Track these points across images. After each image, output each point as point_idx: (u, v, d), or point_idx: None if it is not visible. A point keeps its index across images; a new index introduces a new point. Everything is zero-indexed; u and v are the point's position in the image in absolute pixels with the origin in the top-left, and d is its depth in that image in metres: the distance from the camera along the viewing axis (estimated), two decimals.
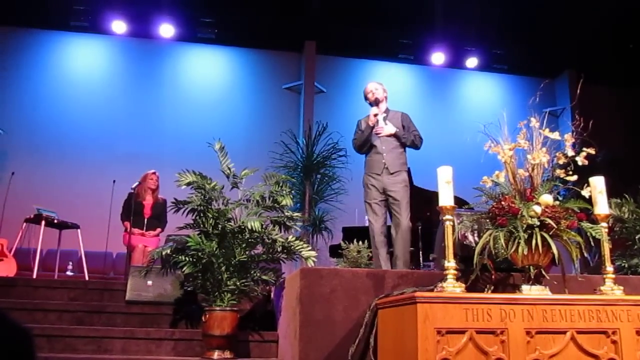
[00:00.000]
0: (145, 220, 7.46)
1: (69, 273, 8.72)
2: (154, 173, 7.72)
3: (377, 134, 5.31)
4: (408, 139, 5.34)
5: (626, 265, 5.30)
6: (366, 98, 5.58)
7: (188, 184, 4.50)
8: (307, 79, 12.40)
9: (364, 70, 13.16)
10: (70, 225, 8.00)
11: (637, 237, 5.39)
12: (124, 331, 4.58)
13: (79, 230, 8.03)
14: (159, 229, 7.49)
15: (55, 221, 7.82)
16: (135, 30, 11.85)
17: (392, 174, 5.20)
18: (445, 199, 3.23)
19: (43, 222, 7.62)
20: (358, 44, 12.50)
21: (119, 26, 11.66)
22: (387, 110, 5.46)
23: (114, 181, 8.59)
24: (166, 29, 11.81)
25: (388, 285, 3.64)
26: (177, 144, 11.36)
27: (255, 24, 12.08)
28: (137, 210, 7.37)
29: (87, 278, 7.87)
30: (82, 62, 11.95)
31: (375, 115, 5.35)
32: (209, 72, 12.57)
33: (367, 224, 8.06)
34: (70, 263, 8.82)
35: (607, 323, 3.02)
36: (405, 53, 12.76)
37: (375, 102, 5.45)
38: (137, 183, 7.56)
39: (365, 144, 5.38)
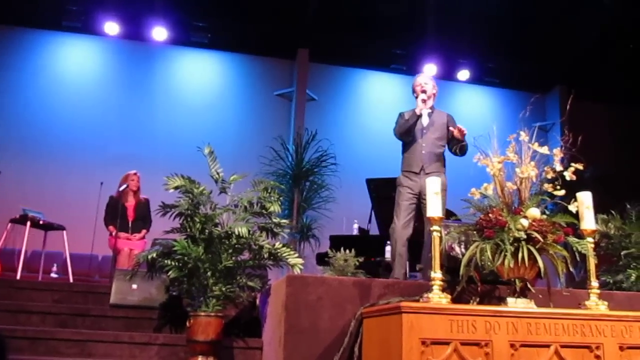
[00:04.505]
0: (130, 223, 7.42)
1: (53, 275, 8.64)
2: (135, 174, 7.66)
3: (463, 134, 4.97)
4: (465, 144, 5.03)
5: (611, 281, 5.33)
6: (414, 91, 5.37)
7: (176, 187, 4.48)
8: (299, 86, 12.43)
9: (355, 79, 13.21)
10: (55, 226, 7.93)
11: (622, 254, 5.43)
12: (108, 335, 4.54)
13: (64, 232, 7.96)
14: (144, 231, 7.46)
15: (41, 222, 7.74)
16: (128, 32, 11.82)
17: (428, 174, 4.83)
18: (434, 210, 3.24)
19: (28, 223, 7.55)
20: (351, 53, 12.55)
21: (111, 28, 11.62)
22: (432, 108, 5.28)
23: (102, 183, 8.56)
24: (159, 32, 11.77)
25: (374, 294, 3.63)
26: (167, 147, 11.33)
27: (249, 30, 12.11)
28: (121, 213, 7.32)
29: (71, 280, 7.80)
30: (74, 62, 11.90)
31: (424, 100, 5.17)
32: (201, 77, 12.56)
33: (354, 233, 8.11)
34: (55, 265, 8.75)
35: (591, 338, 3.03)
36: (398, 63, 12.84)
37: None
38: (125, 186, 7.51)
39: (406, 133, 5.17)
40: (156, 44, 12.06)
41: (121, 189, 7.51)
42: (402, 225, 5.03)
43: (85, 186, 9.92)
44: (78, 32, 11.78)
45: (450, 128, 5.14)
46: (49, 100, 11.40)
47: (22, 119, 11.12)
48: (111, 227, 7.37)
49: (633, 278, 5.20)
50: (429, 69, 12.61)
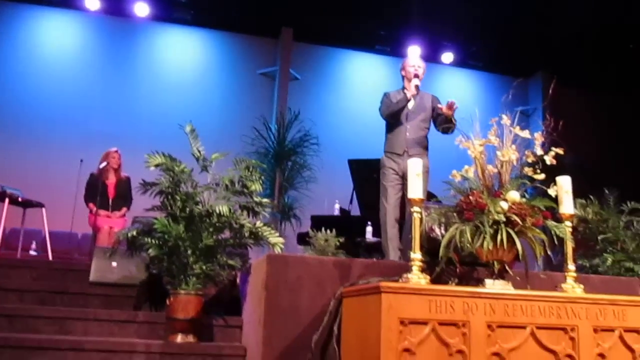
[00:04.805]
0: (110, 200, 7.37)
1: (32, 253, 8.57)
2: (116, 151, 7.61)
3: (454, 108, 4.93)
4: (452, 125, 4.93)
5: (587, 265, 5.42)
6: (403, 69, 5.37)
7: (157, 165, 4.44)
8: (283, 65, 12.36)
9: (339, 59, 13.17)
10: (34, 203, 7.84)
11: (599, 238, 5.51)
12: (87, 312, 4.52)
13: (43, 209, 7.88)
14: (124, 209, 7.42)
15: (20, 199, 7.64)
16: (109, 8, 11.66)
17: (411, 156, 4.57)
18: (415, 191, 3.25)
19: (7, 200, 7.45)
20: (335, 33, 12.48)
21: (92, 2, 11.45)
22: (418, 91, 5.26)
23: (82, 160, 8.48)
24: (141, 8, 11.63)
25: (354, 274, 3.65)
26: (148, 124, 11.23)
27: (233, 8, 11.96)
28: (102, 191, 7.27)
29: (50, 258, 7.74)
30: (54, 37, 11.71)
31: (417, 86, 5.16)
32: (183, 54, 12.44)
33: (335, 213, 8.15)
34: (34, 242, 8.67)
35: (567, 320, 3.07)
36: (382, 44, 12.82)
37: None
38: (105, 163, 7.45)
39: (393, 116, 5.18)
40: (138, 19, 11.91)
41: (101, 166, 7.45)
42: (392, 207, 5.06)
43: (65, 163, 9.80)
44: (58, 6, 11.60)
45: (438, 105, 5.15)
46: (28, 76, 11.22)
47: (0, 95, 10.94)
48: (91, 205, 7.32)
49: (609, 262, 5.29)
50: (413, 51, 12.59)
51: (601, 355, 3.09)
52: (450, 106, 4.95)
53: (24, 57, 11.33)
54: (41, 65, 11.36)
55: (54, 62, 11.45)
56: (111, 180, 7.48)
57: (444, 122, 5.04)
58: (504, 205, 3.24)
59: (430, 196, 4.61)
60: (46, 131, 10.86)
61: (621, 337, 3.16)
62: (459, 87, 13.53)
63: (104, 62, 11.75)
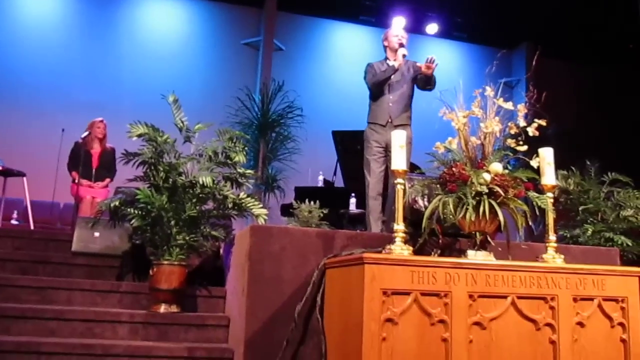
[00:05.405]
0: (94, 170, 7.30)
1: (13, 222, 8.50)
2: (102, 121, 7.51)
3: (432, 66, 4.97)
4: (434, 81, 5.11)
5: (568, 235, 5.50)
6: (386, 39, 5.33)
7: (139, 135, 4.41)
8: (267, 35, 12.25)
9: (324, 30, 13.06)
10: (15, 172, 7.75)
11: (580, 209, 5.58)
12: (69, 282, 4.51)
13: (24, 179, 7.80)
14: (107, 180, 7.35)
15: (0, 168, 7.57)
16: None
17: (396, 127, 4.87)
18: (398, 163, 3.25)
19: None
20: (319, 3, 12.35)
21: None
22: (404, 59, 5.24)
23: (63, 130, 8.39)
24: None
25: (337, 245, 3.66)
26: (131, 94, 11.10)
27: None
28: (85, 161, 7.18)
29: (32, 227, 7.69)
30: (36, 6, 11.46)
31: (404, 55, 5.13)
32: (167, 23, 12.26)
33: (319, 184, 8.15)
34: (16, 212, 8.60)
35: (547, 289, 3.11)
36: (366, 15, 12.72)
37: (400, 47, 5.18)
38: (87, 133, 7.37)
39: (379, 86, 5.14)
40: None
41: (83, 135, 7.36)
42: (375, 181, 5.05)
43: (46, 132, 9.71)
44: None
45: (417, 64, 5.15)
46: (9, 44, 11.00)
47: None
48: (74, 174, 7.25)
49: (589, 233, 5.37)
50: (398, 22, 12.50)
51: (580, 323, 3.15)
52: (429, 65, 4.96)
53: (5, 25, 11.09)
54: (23, 34, 11.14)
55: (36, 30, 11.23)
56: (95, 150, 7.40)
57: (423, 82, 5.10)
58: (487, 176, 3.25)
59: (413, 168, 4.61)
60: (28, 100, 10.70)
61: (600, 306, 3.21)
62: (443, 58, 13.21)
63: (86, 31, 11.54)
